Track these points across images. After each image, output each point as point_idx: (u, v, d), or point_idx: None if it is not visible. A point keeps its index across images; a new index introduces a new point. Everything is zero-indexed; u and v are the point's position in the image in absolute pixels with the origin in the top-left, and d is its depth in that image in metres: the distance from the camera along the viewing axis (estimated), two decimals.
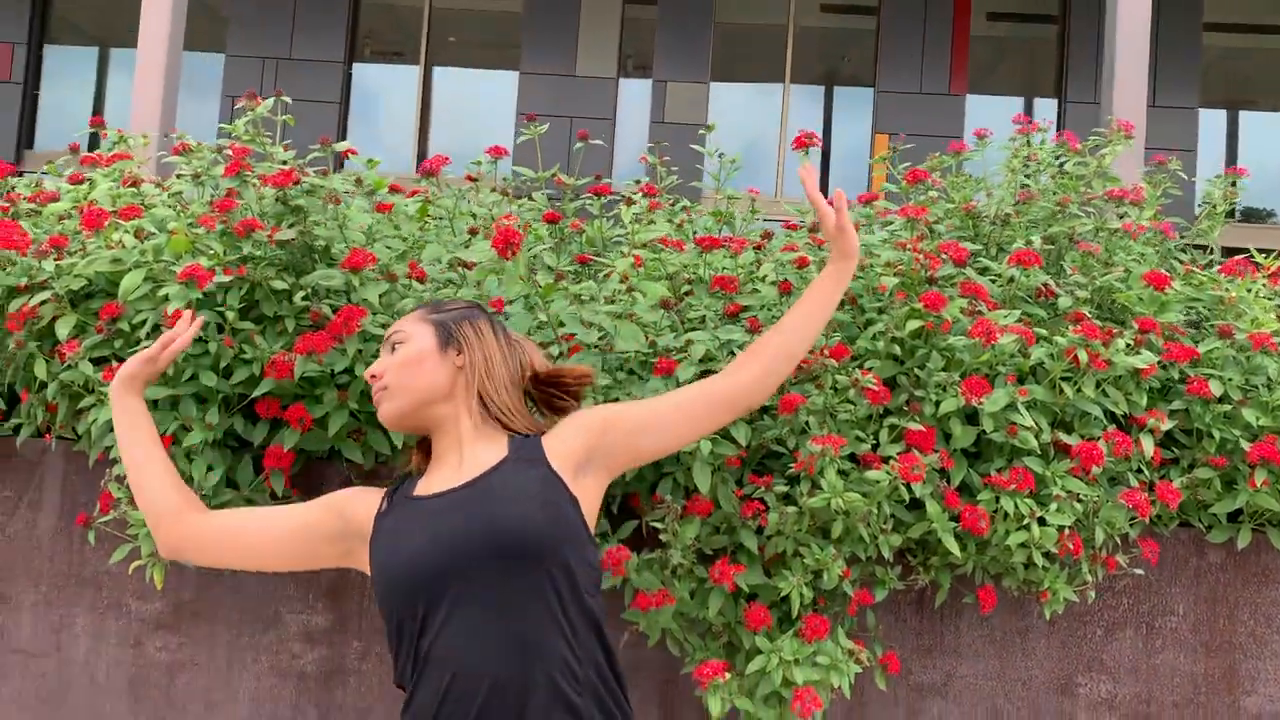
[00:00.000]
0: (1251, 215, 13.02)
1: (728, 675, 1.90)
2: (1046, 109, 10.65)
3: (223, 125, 2.63)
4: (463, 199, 2.78)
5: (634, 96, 10.80)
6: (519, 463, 1.62)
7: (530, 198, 2.97)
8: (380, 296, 2.31)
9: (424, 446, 1.80)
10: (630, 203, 2.30)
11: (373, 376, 1.68)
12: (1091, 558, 2.14)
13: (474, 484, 1.59)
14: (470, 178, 3.03)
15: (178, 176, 2.69)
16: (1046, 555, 2.15)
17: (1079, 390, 2.16)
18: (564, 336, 2.23)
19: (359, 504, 1.68)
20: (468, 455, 1.65)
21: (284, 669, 2.40)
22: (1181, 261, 2.79)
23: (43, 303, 2.22)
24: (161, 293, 2.15)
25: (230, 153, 2.41)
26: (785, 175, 10.92)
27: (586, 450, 1.65)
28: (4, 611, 2.43)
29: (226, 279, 2.18)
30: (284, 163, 2.52)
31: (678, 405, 1.69)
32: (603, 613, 1.60)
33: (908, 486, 1.99)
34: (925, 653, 2.35)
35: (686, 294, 2.42)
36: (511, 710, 1.47)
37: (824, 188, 13.53)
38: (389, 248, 2.56)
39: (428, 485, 1.65)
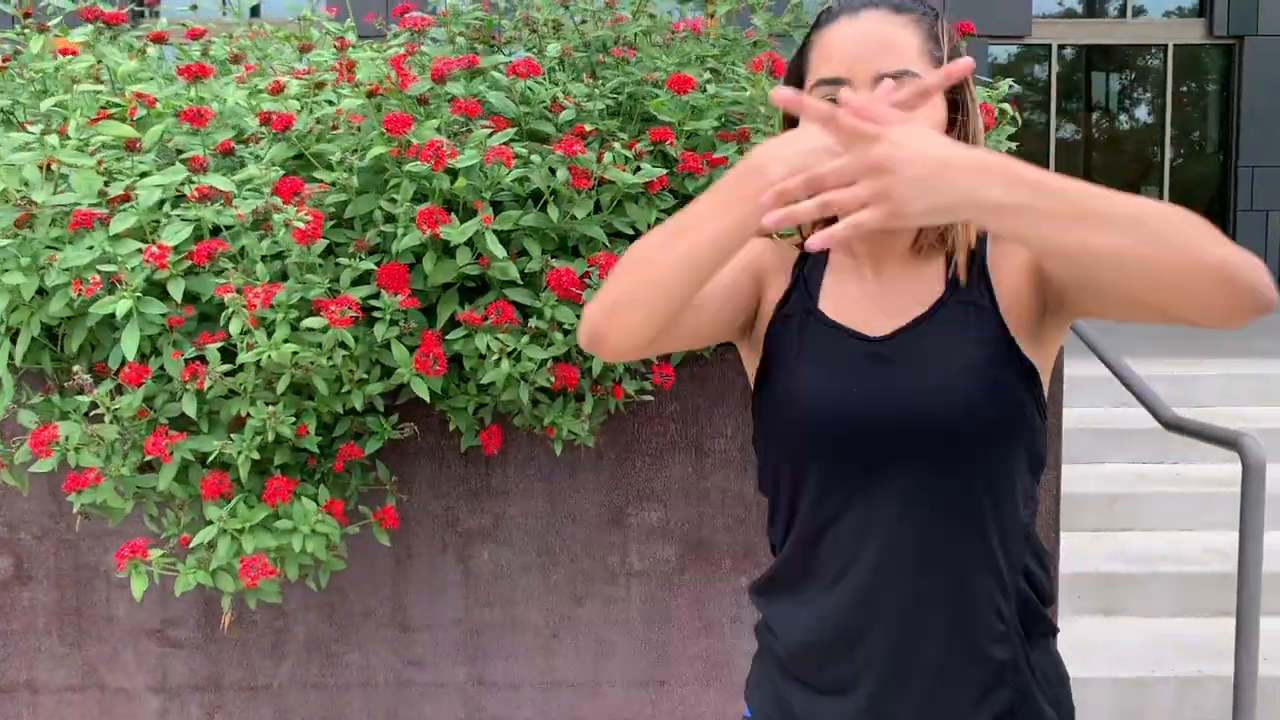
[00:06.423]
0: None
1: (152, 553, 1.77)
2: None
3: None
4: None
5: None
6: (962, 308, 1.11)
7: None
8: None
9: None
10: None
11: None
12: (592, 388, 2.03)
13: (897, 340, 1.10)
14: None
15: None
16: (545, 391, 2.03)
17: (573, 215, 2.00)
18: None
19: (771, 276, 1.20)
20: (890, 266, 1.15)
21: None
22: None
23: None
24: None
25: None
26: None
27: (1037, 300, 1.11)
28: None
29: None
30: None
31: None
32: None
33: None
34: (473, 497, 2.25)
35: None
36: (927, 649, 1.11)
37: None
38: None
39: (837, 295, 1.15)
